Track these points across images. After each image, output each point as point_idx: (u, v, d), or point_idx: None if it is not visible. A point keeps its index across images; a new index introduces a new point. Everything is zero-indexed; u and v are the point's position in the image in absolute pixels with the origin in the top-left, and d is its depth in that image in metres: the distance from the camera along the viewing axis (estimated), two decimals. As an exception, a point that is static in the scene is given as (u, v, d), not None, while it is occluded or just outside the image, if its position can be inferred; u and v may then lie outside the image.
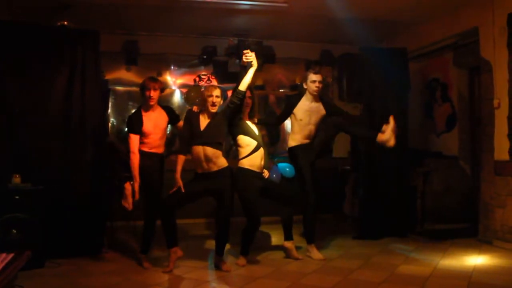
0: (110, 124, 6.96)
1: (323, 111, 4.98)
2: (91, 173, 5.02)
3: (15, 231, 4.28)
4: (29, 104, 4.84)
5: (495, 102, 5.29)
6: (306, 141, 4.97)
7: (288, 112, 5.06)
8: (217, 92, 4.41)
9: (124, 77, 7.14)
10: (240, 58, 6.79)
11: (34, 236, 4.34)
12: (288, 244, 4.82)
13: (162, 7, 5.88)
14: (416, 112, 7.00)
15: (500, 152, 5.24)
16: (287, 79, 7.79)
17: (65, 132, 4.95)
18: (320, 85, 4.87)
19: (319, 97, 5.01)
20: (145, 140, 4.56)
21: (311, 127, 4.96)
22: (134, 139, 4.49)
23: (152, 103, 4.54)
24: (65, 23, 5.60)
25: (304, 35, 7.26)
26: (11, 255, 2.74)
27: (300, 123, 4.93)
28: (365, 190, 5.98)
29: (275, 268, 4.49)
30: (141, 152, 4.53)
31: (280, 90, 7.79)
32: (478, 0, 5.53)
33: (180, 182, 4.31)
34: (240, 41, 6.92)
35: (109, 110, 6.93)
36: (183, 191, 4.29)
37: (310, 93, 4.92)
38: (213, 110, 4.40)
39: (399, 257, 4.85)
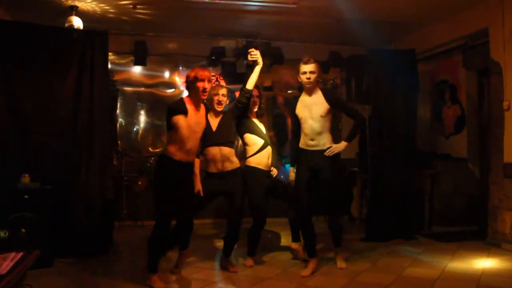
0: (118, 125, 6.98)
1: (325, 104, 4.34)
2: (99, 173, 5.04)
3: (24, 230, 4.32)
4: (37, 104, 4.88)
5: (505, 104, 5.25)
6: (310, 142, 4.37)
7: (292, 115, 4.61)
8: (223, 91, 4.43)
9: (133, 78, 7.18)
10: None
11: (42, 236, 4.38)
12: (295, 245, 4.81)
13: (171, 8, 5.90)
14: (424, 113, 6.98)
15: (510, 155, 5.20)
16: (295, 80, 7.70)
17: (73, 131, 4.98)
18: (312, 76, 4.32)
19: (321, 90, 4.45)
20: (184, 142, 3.89)
21: (311, 122, 4.35)
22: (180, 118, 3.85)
23: (204, 97, 3.99)
24: (74, 23, 5.64)
25: (313, 36, 7.25)
26: (20, 254, 2.75)
27: (301, 120, 4.44)
28: (373, 192, 5.97)
29: (282, 269, 4.49)
30: (173, 161, 3.91)
31: (288, 91, 7.79)
32: (488, 1, 5.50)
33: (199, 186, 4.29)
34: (249, 42, 6.93)
35: (117, 111, 6.96)
36: (202, 194, 4.28)
37: (304, 86, 4.46)
38: (219, 108, 4.41)
39: (407, 259, 4.83)
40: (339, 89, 7.87)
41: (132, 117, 7.13)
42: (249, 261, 4.62)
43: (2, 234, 4.20)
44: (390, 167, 5.91)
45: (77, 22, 5.66)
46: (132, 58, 6.92)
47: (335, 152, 4.29)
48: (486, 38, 5.61)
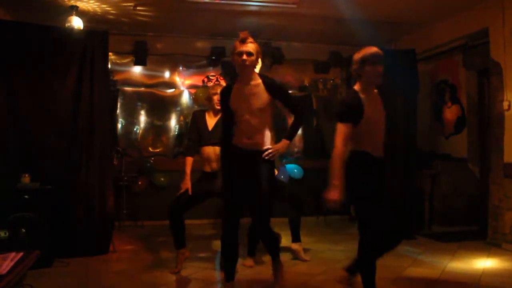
0: (118, 125, 6.99)
1: (264, 95, 3.43)
2: (99, 173, 5.04)
3: (24, 230, 4.32)
4: (37, 104, 4.87)
5: (505, 104, 5.25)
6: (246, 140, 3.49)
7: (224, 109, 3.66)
8: None
9: (133, 78, 7.17)
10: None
11: (42, 236, 4.37)
12: (295, 246, 4.80)
13: (171, 8, 5.90)
14: (424, 113, 6.97)
15: (510, 154, 5.20)
16: (295, 80, 7.78)
17: (73, 131, 4.98)
18: (250, 59, 3.39)
19: (260, 76, 3.54)
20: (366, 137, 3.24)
21: (249, 117, 3.45)
22: (345, 129, 3.16)
23: (379, 82, 3.25)
24: (74, 23, 5.64)
25: (313, 36, 7.25)
26: (20, 254, 2.76)
27: (236, 114, 3.52)
28: (373, 192, 5.95)
29: (282, 269, 4.49)
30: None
31: (289, 91, 7.76)
32: (488, 1, 5.50)
33: (189, 184, 4.31)
34: (249, 42, 6.93)
35: (117, 111, 6.96)
36: (190, 193, 4.29)
37: (239, 71, 3.53)
38: (219, 107, 4.42)
39: (407, 259, 4.82)
40: (340, 89, 7.87)
41: (132, 117, 7.12)
42: (249, 261, 4.61)
43: (2, 234, 4.20)
44: (390, 167, 5.89)
45: (77, 22, 5.66)
46: (132, 58, 6.93)
47: (277, 154, 3.49)
48: (486, 38, 5.61)
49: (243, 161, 3.49)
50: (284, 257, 4.91)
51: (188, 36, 7.10)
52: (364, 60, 3.16)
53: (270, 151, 3.46)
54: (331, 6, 5.62)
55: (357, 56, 3.21)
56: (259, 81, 3.49)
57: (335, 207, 3.12)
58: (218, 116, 4.44)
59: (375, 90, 3.30)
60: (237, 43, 3.42)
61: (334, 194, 3.05)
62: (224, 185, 3.61)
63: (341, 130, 3.12)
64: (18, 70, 4.81)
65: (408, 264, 4.61)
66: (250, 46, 3.41)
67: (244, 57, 3.39)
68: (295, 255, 4.82)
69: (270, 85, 3.49)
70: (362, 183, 3.18)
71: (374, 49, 3.17)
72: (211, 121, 4.43)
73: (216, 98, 4.39)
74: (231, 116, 3.57)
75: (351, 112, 3.14)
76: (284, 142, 3.54)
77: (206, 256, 5.01)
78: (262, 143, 3.50)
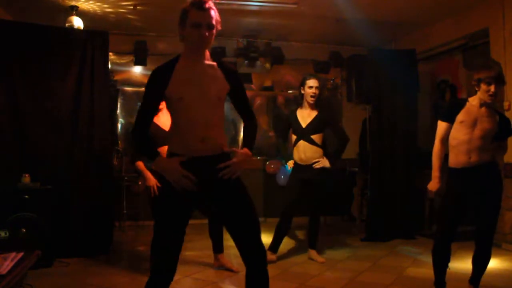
0: (118, 125, 6.98)
1: (223, 82, 2.51)
2: (98, 173, 5.04)
3: (24, 230, 4.32)
4: (37, 104, 4.88)
5: (505, 104, 5.25)
6: (199, 143, 2.42)
7: (154, 95, 2.49)
8: None
9: (133, 78, 7.17)
10: (249, 59, 6.83)
11: (42, 236, 4.37)
12: (313, 254, 4.82)
13: (172, 8, 5.89)
14: (425, 113, 6.96)
15: (510, 155, 5.19)
16: (295, 80, 7.77)
17: (73, 131, 4.98)
18: (211, 32, 2.49)
19: (215, 59, 2.63)
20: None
21: (197, 108, 2.42)
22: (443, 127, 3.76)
23: (491, 100, 3.59)
24: (74, 23, 5.64)
25: (313, 36, 7.25)
26: (20, 254, 2.76)
27: (181, 104, 2.44)
28: (373, 192, 5.96)
29: (282, 269, 4.48)
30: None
31: (289, 91, 7.78)
32: (488, 1, 5.50)
33: None
34: (249, 42, 6.93)
35: (117, 111, 6.96)
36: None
37: (194, 43, 2.54)
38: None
39: (407, 259, 4.82)
40: (340, 89, 7.87)
41: (132, 117, 7.10)
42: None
43: (3, 234, 4.19)
44: (390, 167, 5.91)
45: (77, 22, 5.66)
46: (132, 58, 6.91)
47: (239, 170, 2.45)
48: (486, 38, 5.61)
49: (200, 177, 2.37)
50: (284, 256, 4.92)
51: (188, 36, 7.09)
52: (480, 79, 3.52)
53: (231, 168, 2.41)
54: (331, 6, 5.62)
55: (476, 74, 3.57)
56: (214, 63, 2.54)
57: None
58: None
59: (490, 109, 3.62)
60: (193, 10, 2.44)
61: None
62: (162, 217, 2.66)
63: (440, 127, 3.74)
64: (18, 70, 4.81)
65: (409, 264, 4.61)
66: (212, 15, 2.44)
67: (205, 31, 2.41)
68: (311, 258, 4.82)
69: (233, 74, 2.58)
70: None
71: (491, 71, 3.49)
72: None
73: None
74: (156, 106, 2.52)
75: (450, 111, 3.71)
76: (246, 153, 2.51)
77: (206, 256, 5.00)
78: (223, 144, 2.47)
